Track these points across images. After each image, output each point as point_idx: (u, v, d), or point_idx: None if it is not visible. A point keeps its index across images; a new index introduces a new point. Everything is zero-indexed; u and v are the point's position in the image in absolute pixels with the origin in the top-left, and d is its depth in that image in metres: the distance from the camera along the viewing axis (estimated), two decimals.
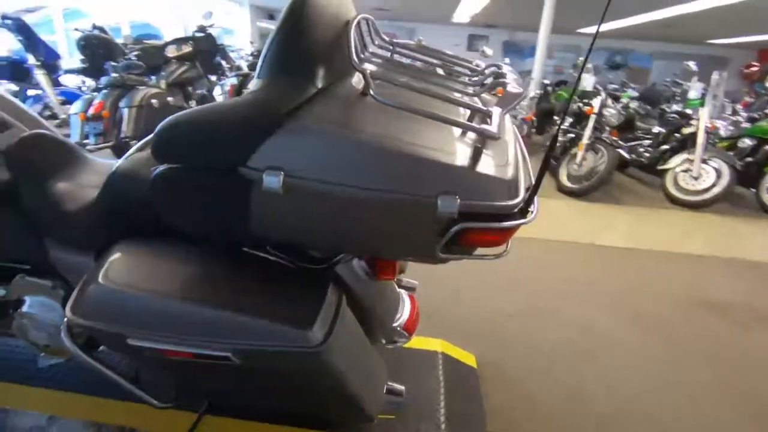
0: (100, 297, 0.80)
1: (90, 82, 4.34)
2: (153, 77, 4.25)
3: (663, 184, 4.11)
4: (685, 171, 3.99)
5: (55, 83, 4.29)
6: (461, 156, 0.71)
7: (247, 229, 0.74)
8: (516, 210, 0.71)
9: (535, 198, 0.75)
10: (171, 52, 4.45)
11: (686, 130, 4.10)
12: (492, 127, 0.71)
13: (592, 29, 11.06)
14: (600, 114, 4.14)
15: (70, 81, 4.47)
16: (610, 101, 4.23)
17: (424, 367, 1.53)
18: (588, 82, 4.75)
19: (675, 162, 4.05)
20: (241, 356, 0.80)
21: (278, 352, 0.80)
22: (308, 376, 0.86)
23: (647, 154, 4.45)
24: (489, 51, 4.46)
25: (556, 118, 5.28)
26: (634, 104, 4.83)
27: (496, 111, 0.75)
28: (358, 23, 0.86)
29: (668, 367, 1.80)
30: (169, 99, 3.76)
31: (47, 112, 4.25)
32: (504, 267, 2.51)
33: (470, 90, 1.00)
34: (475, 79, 1.09)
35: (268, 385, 0.95)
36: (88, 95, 3.60)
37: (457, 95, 0.93)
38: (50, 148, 1.11)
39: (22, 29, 3.75)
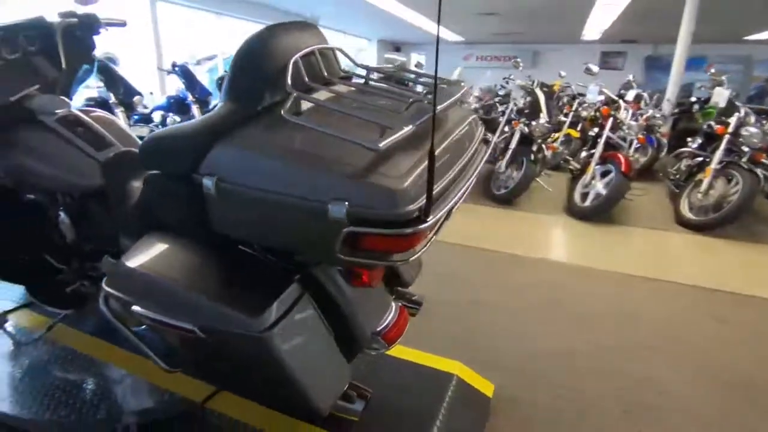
0: (119, 273, 1.05)
1: None
2: None
3: None
4: None
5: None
6: (357, 167, 0.77)
7: (206, 225, 0.92)
8: (412, 217, 0.75)
9: (450, 206, 0.77)
10: None
11: None
12: (374, 141, 0.76)
13: (763, 35, 9.23)
14: (736, 134, 3.47)
15: None
16: (752, 118, 3.52)
17: (432, 386, 1.52)
18: (722, 97, 4.02)
19: None
20: (205, 332, 0.97)
21: (229, 332, 0.94)
22: (256, 359, 0.98)
23: None
24: (594, 68, 4.15)
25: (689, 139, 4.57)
26: None
27: (399, 126, 0.79)
28: (318, 52, 1.00)
29: None
30: None
31: None
32: (583, 300, 2.32)
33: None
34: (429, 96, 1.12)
35: (230, 363, 1.10)
36: None
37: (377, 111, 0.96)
38: (135, 163, 1.46)
39: (186, 74, 4.80)
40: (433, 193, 0.80)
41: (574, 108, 5.33)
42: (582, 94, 5.97)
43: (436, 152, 0.87)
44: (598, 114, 4.70)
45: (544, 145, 4.18)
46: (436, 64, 0.69)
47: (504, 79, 5.01)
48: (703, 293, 2.53)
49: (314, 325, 1.05)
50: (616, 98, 4.46)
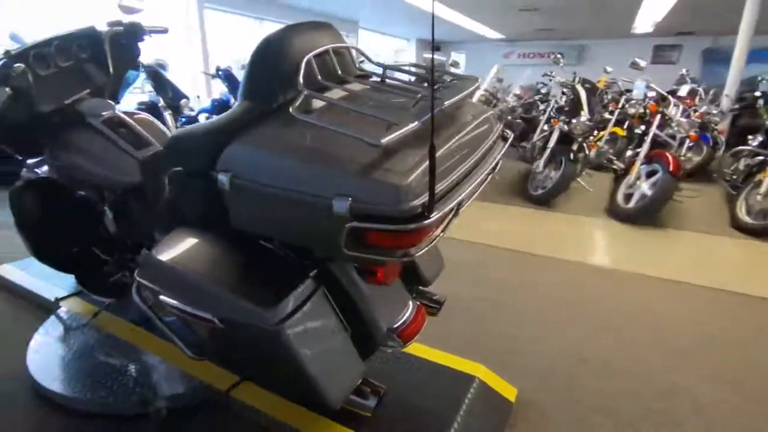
0: (149, 265, 1.12)
1: None
2: None
3: None
4: None
5: None
6: (362, 163, 0.78)
7: (223, 220, 0.96)
8: (414, 214, 0.74)
9: (455, 203, 0.76)
10: None
11: None
12: (375, 137, 0.76)
13: None
14: None
15: None
16: None
17: (453, 387, 1.50)
18: None
19: None
20: (223, 323, 1.01)
21: (244, 324, 0.98)
22: (270, 350, 1.01)
23: None
24: (641, 63, 3.94)
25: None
26: None
27: (404, 122, 0.79)
28: (333, 51, 1.02)
29: None
30: None
31: None
32: (623, 306, 2.21)
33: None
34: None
35: (248, 353, 1.14)
36: None
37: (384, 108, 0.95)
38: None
39: (229, 77, 5.00)
40: (439, 189, 0.80)
41: (620, 105, 5.08)
42: (629, 90, 5.67)
43: (443, 149, 0.87)
44: (645, 111, 4.45)
45: (585, 144, 4.01)
46: (432, 63, 0.68)
47: (543, 75, 4.85)
48: (762, 304, 2.33)
49: (328, 319, 1.07)
50: (665, 94, 4.20)
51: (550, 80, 5.73)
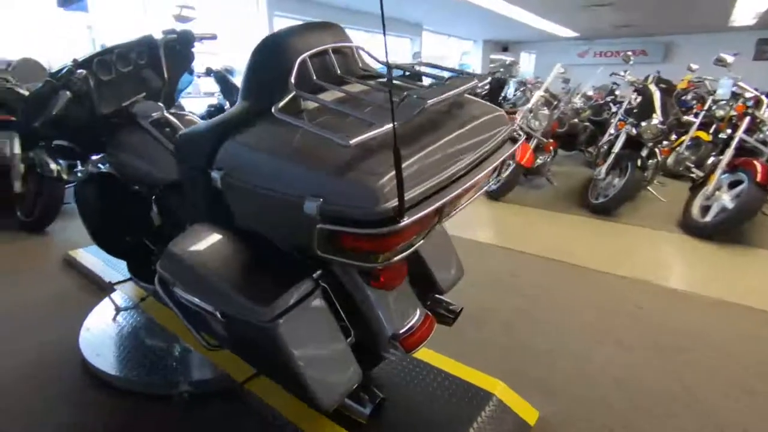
0: (166, 257, 1.18)
1: None
2: None
3: None
4: None
5: None
6: (336, 164, 0.76)
7: (220, 216, 0.99)
8: (385, 218, 0.71)
9: (434, 208, 0.72)
10: None
11: None
12: (342, 136, 0.73)
13: None
14: None
15: None
16: None
17: (467, 402, 1.42)
18: None
19: None
20: (224, 317, 1.05)
21: (240, 319, 1.00)
22: (264, 346, 1.02)
23: None
24: (728, 58, 3.49)
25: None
26: None
27: (381, 123, 0.75)
28: (334, 51, 1.01)
29: None
30: None
31: None
32: (691, 334, 1.98)
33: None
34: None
35: (249, 346, 1.16)
36: None
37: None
38: None
39: (223, 80, 5.11)
40: (416, 193, 0.76)
41: (706, 106, 4.55)
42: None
43: (426, 150, 0.82)
44: (733, 113, 3.95)
45: (656, 150, 3.65)
46: (388, 68, 0.65)
47: (611, 75, 4.48)
48: None
49: (324, 321, 1.06)
50: (759, 95, 3.69)
51: (630, 80, 5.31)
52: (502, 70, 5.70)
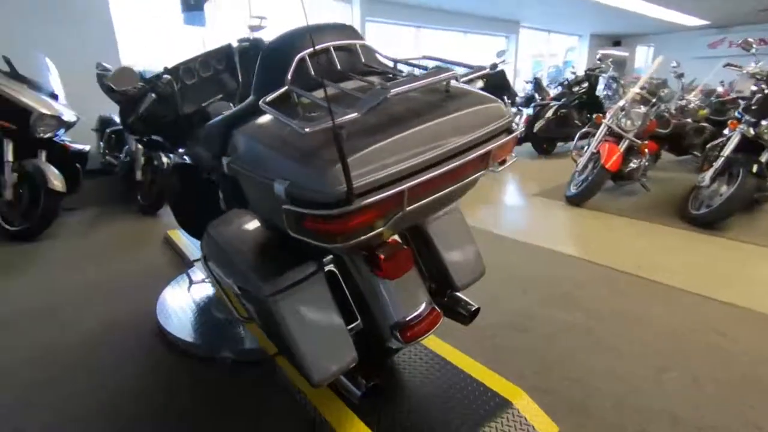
0: (205, 237, 1.35)
1: None
2: None
3: None
4: None
5: None
6: (303, 151, 0.82)
7: (242, 200, 1.11)
8: (338, 201, 0.75)
9: (390, 194, 0.76)
10: None
11: None
12: (300, 124, 0.79)
13: None
14: None
15: None
16: None
17: (482, 407, 1.38)
18: None
19: None
20: (240, 290, 1.17)
21: (247, 292, 1.12)
22: (268, 319, 1.12)
23: None
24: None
25: None
26: None
27: (343, 112, 0.79)
28: (336, 49, 1.07)
29: None
30: None
31: None
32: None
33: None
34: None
35: (261, 320, 1.27)
36: None
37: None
38: None
39: None
40: (374, 179, 0.79)
41: None
42: None
43: (391, 138, 0.84)
44: None
45: None
46: (314, 48, 0.68)
47: (725, 66, 3.82)
48: None
49: (322, 301, 1.12)
50: None
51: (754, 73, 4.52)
52: (603, 66, 5.24)
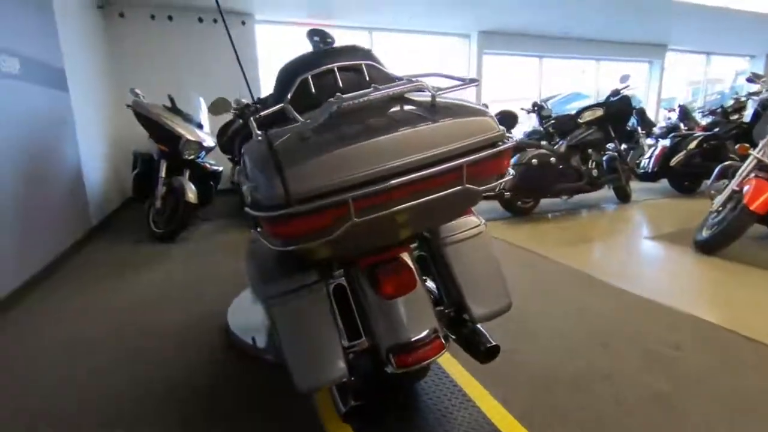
0: (246, 251, 1.48)
1: None
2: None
3: None
4: None
5: None
6: (265, 159, 0.88)
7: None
8: (279, 204, 0.81)
9: (333, 202, 0.80)
10: (584, 117, 4.77)
11: None
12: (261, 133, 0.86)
13: None
14: None
15: None
16: None
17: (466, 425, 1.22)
18: None
19: None
20: (253, 291, 1.28)
21: (258, 293, 1.21)
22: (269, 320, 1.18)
23: None
24: None
25: None
26: None
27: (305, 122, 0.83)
28: (340, 69, 1.13)
29: None
30: (552, 159, 4.21)
31: None
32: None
33: None
34: None
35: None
36: None
37: None
38: None
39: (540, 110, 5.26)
40: (324, 184, 0.81)
41: None
42: None
43: (349, 146, 0.85)
44: None
45: None
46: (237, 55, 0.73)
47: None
48: None
49: (319, 311, 1.14)
50: None
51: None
52: (760, 86, 4.37)
